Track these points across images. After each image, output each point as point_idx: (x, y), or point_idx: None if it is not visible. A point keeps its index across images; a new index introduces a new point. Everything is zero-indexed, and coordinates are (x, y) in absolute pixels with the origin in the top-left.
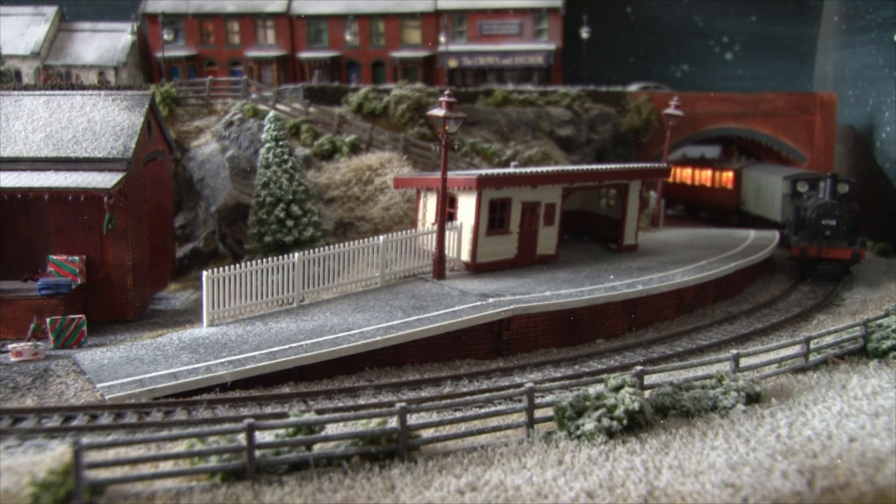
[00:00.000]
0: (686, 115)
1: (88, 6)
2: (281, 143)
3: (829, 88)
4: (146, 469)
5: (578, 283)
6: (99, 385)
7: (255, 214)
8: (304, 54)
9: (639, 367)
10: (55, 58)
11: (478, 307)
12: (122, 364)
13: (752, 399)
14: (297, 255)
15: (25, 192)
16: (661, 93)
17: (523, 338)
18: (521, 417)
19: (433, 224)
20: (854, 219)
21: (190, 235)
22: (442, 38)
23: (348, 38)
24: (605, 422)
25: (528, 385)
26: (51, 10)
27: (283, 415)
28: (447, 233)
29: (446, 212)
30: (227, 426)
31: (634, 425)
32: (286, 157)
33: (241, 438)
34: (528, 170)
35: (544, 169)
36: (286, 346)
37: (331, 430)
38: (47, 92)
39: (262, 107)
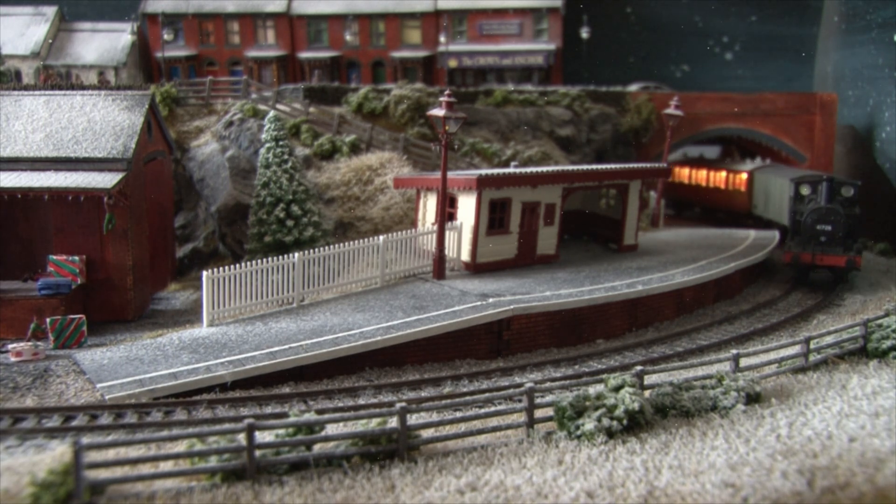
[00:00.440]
0: (686, 115)
1: (88, 6)
2: (281, 143)
3: (829, 88)
4: (146, 469)
5: (578, 283)
6: (99, 385)
7: (255, 214)
8: (304, 54)
9: (639, 367)
10: (55, 58)
11: (478, 307)
12: (122, 364)
13: (752, 399)
14: (297, 255)
15: (25, 192)
16: (661, 93)
17: (523, 338)
18: (521, 417)
19: (433, 224)
20: (853, 224)
21: (190, 235)
22: (442, 38)
23: (348, 38)
24: (605, 422)
25: (528, 385)
26: (51, 10)
27: (283, 415)
28: (447, 233)
29: (446, 212)
30: (227, 426)
31: (634, 425)
32: (286, 157)
33: (241, 438)
34: (528, 170)
35: (544, 169)
36: (286, 346)
37: (331, 430)
38: (47, 92)
39: (262, 107)
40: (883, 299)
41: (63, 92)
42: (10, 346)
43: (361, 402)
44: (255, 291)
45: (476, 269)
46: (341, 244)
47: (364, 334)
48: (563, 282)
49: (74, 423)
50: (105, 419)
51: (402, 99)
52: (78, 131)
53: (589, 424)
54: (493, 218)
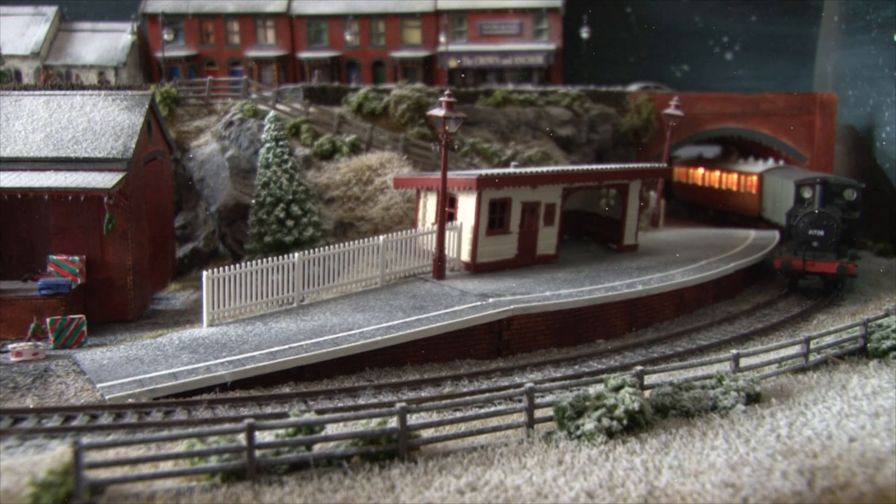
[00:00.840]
0: (686, 115)
1: (88, 6)
2: (281, 143)
3: (829, 88)
4: (146, 469)
5: (578, 283)
6: (99, 385)
7: (255, 214)
8: (304, 54)
9: (639, 367)
10: (55, 58)
11: (478, 307)
12: (122, 364)
13: (752, 399)
14: (297, 255)
15: (25, 192)
16: (661, 93)
17: (523, 338)
18: (521, 417)
19: (433, 224)
20: (850, 229)
21: (190, 235)
22: (442, 38)
23: (348, 38)
24: (605, 422)
25: (528, 385)
26: (51, 10)
27: (283, 415)
28: (447, 233)
29: (446, 212)
30: (227, 426)
31: (634, 425)
32: (286, 157)
33: (241, 438)
34: (528, 170)
35: (544, 169)
36: (286, 346)
37: (331, 430)
38: (47, 92)
39: (262, 107)
40: (883, 299)
41: (63, 92)
42: (10, 346)
43: (361, 402)
44: (255, 291)
45: (476, 269)
46: (341, 244)
47: (364, 334)
48: (563, 282)
49: (74, 423)
50: (105, 419)
51: (402, 99)
52: (78, 131)
53: (589, 424)
54: (493, 218)
